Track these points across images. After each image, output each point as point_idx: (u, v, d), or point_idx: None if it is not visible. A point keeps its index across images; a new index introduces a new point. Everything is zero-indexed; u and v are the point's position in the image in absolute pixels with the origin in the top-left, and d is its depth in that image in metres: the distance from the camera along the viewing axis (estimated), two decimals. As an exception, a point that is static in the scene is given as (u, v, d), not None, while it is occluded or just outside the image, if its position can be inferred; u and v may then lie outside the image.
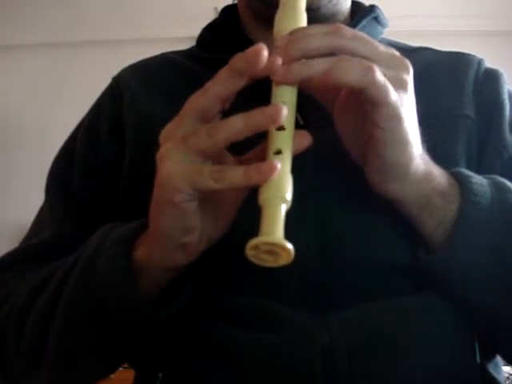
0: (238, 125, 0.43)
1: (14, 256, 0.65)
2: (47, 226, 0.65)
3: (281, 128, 0.44)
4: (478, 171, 0.54)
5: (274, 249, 0.40)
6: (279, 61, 0.44)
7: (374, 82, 0.44)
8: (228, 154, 0.48)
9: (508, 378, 1.63)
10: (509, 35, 2.53)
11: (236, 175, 0.42)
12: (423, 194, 0.51)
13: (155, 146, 0.45)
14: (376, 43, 0.47)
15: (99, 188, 0.65)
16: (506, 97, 0.64)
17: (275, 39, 0.48)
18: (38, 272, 0.59)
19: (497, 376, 0.58)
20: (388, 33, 0.70)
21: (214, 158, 0.47)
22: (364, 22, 0.65)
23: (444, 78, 0.64)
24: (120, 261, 0.49)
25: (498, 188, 0.52)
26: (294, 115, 0.46)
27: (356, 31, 0.48)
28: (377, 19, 0.67)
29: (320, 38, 0.46)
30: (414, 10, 2.49)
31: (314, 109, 0.51)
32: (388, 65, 0.46)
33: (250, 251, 0.41)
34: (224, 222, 0.49)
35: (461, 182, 0.52)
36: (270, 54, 0.46)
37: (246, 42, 0.66)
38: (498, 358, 0.61)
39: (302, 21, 0.51)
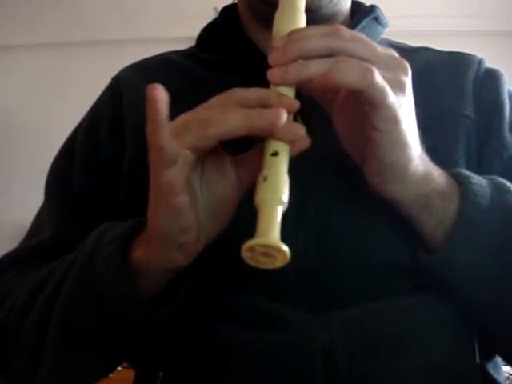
0: (234, 121, 0.43)
1: (13, 256, 0.65)
2: (47, 226, 0.65)
3: None
4: (478, 171, 0.54)
5: (269, 251, 0.40)
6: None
7: (372, 83, 0.44)
8: (225, 153, 0.48)
9: (508, 378, 1.63)
10: (509, 35, 2.53)
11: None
12: (423, 195, 0.51)
13: None
14: (375, 44, 0.47)
15: (99, 188, 0.65)
16: (506, 97, 0.64)
17: (274, 40, 0.48)
18: (38, 272, 0.59)
19: (496, 376, 0.58)
20: (388, 33, 0.70)
21: (209, 157, 0.48)
22: (364, 23, 0.65)
23: (444, 77, 0.64)
24: (117, 260, 0.49)
25: (498, 188, 0.52)
26: (292, 116, 0.46)
27: (355, 32, 0.48)
28: (377, 19, 0.67)
29: (318, 39, 0.46)
30: (413, 10, 2.49)
31: (313, 109, 0.51)
32: (386, 66, 0.46)
33: (245, 253, 0.41)
34: (222, 221, 0.49)
35: (460, 182, 0.52)
36: (269, 55, 0.46)
37: (246, 42, 0.66)
38: (498, 358, 0.61)
39: (301, 21, 0.51)
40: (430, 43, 0.72)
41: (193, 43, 0.72)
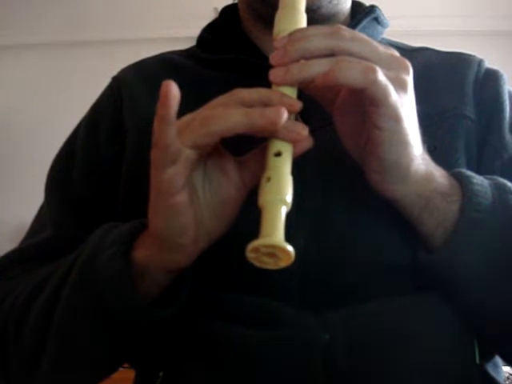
0: (235, 118, 0.43)
1: (13, 256, 0.65)
2: (47, 226, 0.65)
3: None
4: (478, 172, 0.54)
5: (274, 251, 0.40)
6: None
7: (375, 82, 0.44)
8: (228, 154, 0.48)
9: (508, 378, 1.63)
10: (509, 35, 2.53)
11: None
12: (424, 195, 0.51)
13: None
14: (376, 44, 0.47)
15: (99, 188, 0.64)
16: (506, 97, 0.64)
17: (275, 40, 0.48)
18: (38, 272, 0.59)
19: (496, 376, 0.58)
20: (388, 33, 0.70)
21: (212, 157, 0.48)
22: (364, 23, 0.65)
23: (444, 78, 0.64)
24: (119, 261, 0.49)
25: (499, 189, 0.52)
26: (294, 116, 0.46)
27: (355, 32, 0.48)
28: (377, 19, 0.67)
29: (319, 39, 0.46)
30: (414, 10, 2.49)
31: (314, 109, 0.51)
32: (388, 65, 0.46)
33: (250, 253, 0.41)
34: (225, 222, 0.49)
35: (462, 182, 0.52)
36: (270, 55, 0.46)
37: (246, 42, 0.66)
38: (498, 358, 0.61)
39: (302, 22, 0.51)
40: (429, 43, 0.72)
41: (193, 43, 0.72)
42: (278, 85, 0.46)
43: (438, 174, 0.52)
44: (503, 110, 0.63)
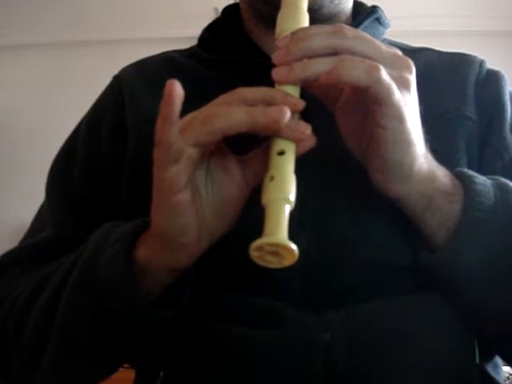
0: (237, 117, 0.43)
1: (13, 255, 0.65)
2: (47, 225, 0.65)
3: None
4: (479, 172, 0.54)
5: (277, 250, 0.40)
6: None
7: (378, 80, 0.44)
8: (230, 153, 0.48)
9: (508, 378, 1.63)
10: (509, 35, 2.53)
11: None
12: (426, 194, 0.51)
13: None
14: (378, 43, 0.47)
15: (100, 187, 0.64)
16: (507, 98, 0.64)
17: (277, 39, 0.48)
18: (38, 272, 0.59)
19: (496, 376, 0.58)
20: (388, 33, 0.70)
21: (215, 156, 0.48)
22: (366, 23, 0.65)
23: (445, 78, 0.64)
24: (121, 260, 0.49)
25: (502, 189, 0.52)
26: (297, 115, 0.46)
27: (358, 31, 0.48)
28: (379, 20, 0.67)
29: (322, 38, 0.46)
30: (414, 10, 2.49)
31: (316, 108, 0.51)
32: (391, 64, 0.46)
33: (253, 252, 0.41)
34: (227, 221, 0.49)
35: (464, 182, 0.52)
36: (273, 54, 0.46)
37: (248, 42, 0.66)
38: (498, 359, 0.61)
39: (304, 21, 0.51)
40: (429, 43, 0.72)
41: (193, 43, 0.72)
42: (281, 84, 0.46)
43: (441, 173, 0.52)
44: (504, 111, 0.63)
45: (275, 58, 0.47)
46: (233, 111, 0.44)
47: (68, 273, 0.54)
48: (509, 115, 0.63)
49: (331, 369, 0.49)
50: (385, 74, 0.44)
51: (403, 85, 0.46)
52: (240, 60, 0.63)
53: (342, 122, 0.51)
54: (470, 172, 0.53)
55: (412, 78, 0.48)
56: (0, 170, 2.65)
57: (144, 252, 0.49)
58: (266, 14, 0.64)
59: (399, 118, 0.46)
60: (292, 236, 0.40)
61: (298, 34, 0.47)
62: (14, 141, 2.66)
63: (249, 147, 0.48)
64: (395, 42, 0.70)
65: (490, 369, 0.58)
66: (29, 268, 0.62)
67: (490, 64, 0.68)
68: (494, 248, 0.50)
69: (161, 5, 2.63)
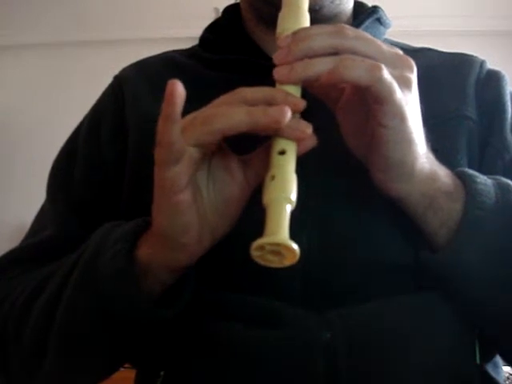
0: (238, 117, 0.43)
1: (13, 255, 0.65)
2: (48, 225, 0.65)
3: None
4: (479, 172, 0.54)
5: (279, 249, 0.40)
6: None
7: (380, 79, 0.44)
8: (232, 153, 0.48)
9: (508, 378, 1.63)
10: (509, 35, 2.53)
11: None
12: (428, 194, 0.51)
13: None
14: (379, 42, 0.47)
15: (101, 188, 0.64)
16: (507, 98, 0.64)
17: (278, 39, 0.48)
18: (39, 271, 0.59)
19: (496, 376, 0.58)
20: (388, 33, 0.70)
21: (216, 156, 0.48)
22: (367, 23, 0.65)
23: (446, 78, 0.64)
24: (122, 260, 0.49)
25: (503, 188, 0.52)
26: (298, 114, 0.46)
27: (359, 31, 0.48)
28: (379, 20, 0.67)
29: (323, 37, 0.46)
30: (414, 10, 2.49)
31: (316, 108, 0.51)
32: (392, 64, 0.46)
33: (254, 252, 0.41)
34: (229, 221, 0.49)
35: (465, 181, 0.52)
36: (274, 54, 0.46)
37: (249, 42, 0.66)
38: (498, 358, 0.61)
39: (305, 21, 0.51)
40: (430, 43, 0.72)
41: (193, 43, 0.72)
42: (282, 83, 0.46)
43: (442, 173, 0.52)
44: (505, 111, 0.63)
45: (276, 57, 0.46)
46: (233, 111, 0.44)
47: (69, 273, 0.54)
48: (509, 115, 0.63)
49: (331, 368, 0.49)
50: (386, 73, 0.44)
51: (404, 84, 0.46)
52: (241, 60, 0.63)
53: (343, 121, 0.51)
54: (471, 172, 0.53)
55: (413, 78, 0.48)
56: (0, 170, 2.65)
57: (145, 251, 0.49)
58: (266, 14, 0.64)
59: (401, 117, 0.46)
60: (293, 235, 0.40)
61: (299, 34, 0.47)
62: (14, 141, 2.66)
63: (250, 147, 0.48)
64: (396, 42, 0.70)
65: (489, 369, 0.58)
66: (29, 268, 0.62)
67: (491, 64, 0.68)
68: (494, 247, 0.50)
69: (161, 5, 2.63)
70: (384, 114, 0.46)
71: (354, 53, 0.45)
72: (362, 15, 0.67)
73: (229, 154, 0.48)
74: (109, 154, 0.64)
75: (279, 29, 0.50)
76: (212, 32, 0.69)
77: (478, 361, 0.54)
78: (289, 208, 0.42)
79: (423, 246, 0.53)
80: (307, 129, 0.44)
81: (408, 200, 0.51)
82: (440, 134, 0.58)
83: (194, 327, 0.54)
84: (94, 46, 2.63)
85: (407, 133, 0.47)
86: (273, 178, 0.43)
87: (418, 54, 0.66)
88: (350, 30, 0.47)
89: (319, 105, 0.51)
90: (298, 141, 0.45)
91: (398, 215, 0.53)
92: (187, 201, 0.45)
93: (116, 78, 0.70)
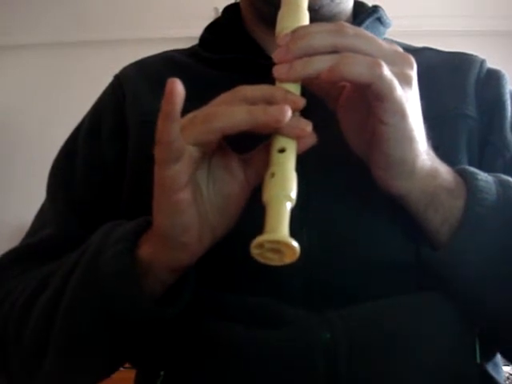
0: (238, 116, 0.43)
1: (13, 255, 0.65)
2: (48, 225, 0.65)
3: None
4: (480, 170, 0.54)
5: (278, 247, 0.40)
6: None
7: (381, 76, 0.44)
8: (232, 152, 0.48)
9: (508, 378, 1.63)
10: (509, 35, 2.53)
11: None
12: (429, 191, 0.51)
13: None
14: (379, 40, 0.48)
15: (101, 187, 0.64)
16: (507, 97, 0.64)
17: (278, 38, 0.48)
18: (39, 271, 0.59)
19: (496, 376, 0.58)
20: (388, 33, 0.70)
21: (216, 155, 0.47)
22: (367, 23, 0.65)
23: (446, 77, 0.64)
24: (124, 259, 0.49)
25: (504, 185, 0.52)
26: (297, 112, 0.46)
27: (359, 29, 0.48)
28: (380, 20, 0.67)
29: (323, 36, 0.46)
30: (414, 10, 2.49)
31: (316, 106, 0.51)
32: (392, 61, 0.46)
33: (254, 249, 0.41)
34: (229, 220, 0.49)
35: (466, 178, 0.52)
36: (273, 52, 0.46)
37: (249, 41, 0.66)
38: (498, 358, 0.61)
39: (305, 20, 0.51)
40: (430, 43, 0.72)
41: (193, 43, 0.72)
42: (282, 81, 0.46)
43: (443, 170, 0.52)
44: (505, 110, 0.63)
45: (276, 56, 0.46)
46: (233, 110, 0.44)
47: (70, 272, 0.53)
48: (509, 114, 0.63)
49: (332, 369, 0.49)
50: (386, 70, 0.44)
51: (405, 81, 0.46)
52: (241, 60, 0.63)
53: (343, 119, 0.51)
54: (472, 169, 0.53)
55: (413, 75, 0.48)
56: (0, 169, 2.65)
57: (146, 251, 0.49)
58: (266, 13, 0.64)
59: (401, 114, 0.46)
60: (293, 234, 0.40)
61: (298, 32, 0.47)
62: (14, 141, 2.66)
63: (250, 146, 0.48)
64: (396, 42, 0.70)
65: (490, 368, 0.58)
66: (29, 267, 0.62)
67: (491, 64, 0.68)
68: (496, 244, 0.50)
69: (161, 5, 2.63)
70: (384, 111, 0.46)
71: (354, 50, 0.45)
72: (363, 15, 0.67)
73: (229, 153, 0.48)
74: (109, 153, 0.64)
75: (278, 28, 0.50)
76: (212, 31, 0.69)
77: (478, 360, 0.54)
78: (289, 205, 0.41)
79: (424, 243, 0.53)
80: (307, 126, 0.44)
81: (409, 197, 0.51)
82: (440, 133, 0.58)
83: (194, 328, 0.54)
84: (93, 46, 2.63)
85: (408, 130, 0.47)
86: (272, 175, 0.43)
87: (418, 54, 0.66)
88: (350, 28, 0.47)
89: (318, 102, 0.50)
90: (298, 139, 0.45)
91: (399, 213, 0.53)
92: (187, 199, 0.45)
93: (116, 76, 0.70)
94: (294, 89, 0.46)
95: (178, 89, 0.41)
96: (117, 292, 0.49)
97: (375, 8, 0.67)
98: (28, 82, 2.70)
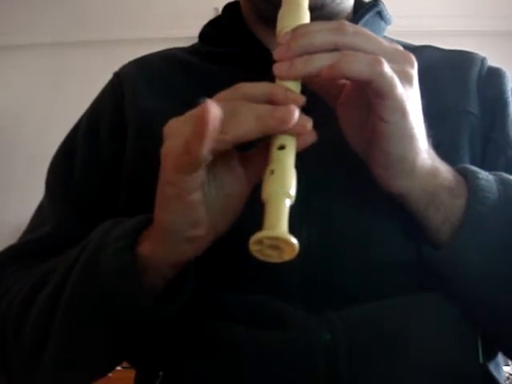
0: (249, 125, 0.43)
1: (12, 252, 0.65)
2: (47, 222, 0.65)
3: None
4: (482, 168, 0.54)
5: (277, 243, 0.40)
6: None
7: (381, 74, 0.44)
8: (233, 150, 0.48)
9: (508, 378, 1.63)
10: (509, 35, 2.53)
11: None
12: (429, 190, 0.51)
13: (156, 141, 0.45)
14: (379, 39, 0.48)
15: (99, 185, 0.64)
16: (509, 95, 0.64)
17: (278, 36, 0.48)
18: (38, 268, 0.59)
19: (497, 375, 0.57)
20: (388, 32, 0.70)
21: (218, 154, 0.47)
22: (367, 17, 0.65)
23: (447, 75, 0.64)
24: (124, 256, 0.49)
25: (505, 184, 0.52)
26: (298, 110, 0.45)
27: (359, 27, 0.48)
28: (380, 14, 0.67)
29: (323, 34, 0.46)
30: (414, 10, 2.49)
31: (315, 104, 0.51)
32: (393, 59, 0.46)
33: (253, 246, 0.40)
34: (230, 217, 0.49)
35: (467, 177, 0.52)
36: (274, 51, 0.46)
37: (249, 36, 0.66)
38: (499, 358, 0.60)
39: (305, 18, 0.51)
40: (430, 43, 0.72)
41: (193, 43, 0.72)
42: (282, 79, 0.46)
43: (444, 169, 0.52)
44: (507, 108, 0.63)
45: (276, 54, 0.46)
46: (242, 119, 0.43)
47: (70, 269, 0.53)
48: (511, 112, 0.63)
49: (332, 369, 0.49)
50: (387, 68, 0.44)
51: (406, 79, 0.46)
52: (242, 54, 0.63)
53: (343, 117, 0.51)
54: (473, 167, 0.53)
55: (414, 72, 0.48)
56: (0, 170, 2.65)
57: (147, 247, 0.49)
58: (266, 12, 0.64)
59: (402, 112, 0.46)
60: (293, 231, 0.40)
61: (299, 31, 0.47)
62: (14, 141, 2.66)
63: (250, 144, 0.48)
64: (396, 41, 0.70)
65: (491, 367, 0.58)
66: (28, 265, 0.62)
67: (491, 64, 0.68)
68: (497, 243, 0.49)
69: (161, 5, 2.63)
70: (385, 109, 0.45)
71: (355, 48, 0.45)
72: (362, 9, 0.66)
73: (230, 152, 0.48)
74: (107, 152, 0.64)
75: (279, 26, 0.50)
76: (213, 26, 0.69)
77: (481, 360, 0.53)
78: (288, 202, 0.41)
79: (425, 242, 0.53)
80: (307, 124, 0.44)
81: (409, 196, 0.51)
82: (442, 130, 0.58)
83: (194, 328, 0.54)
84: (93, 46, 2.64)
85: (408, 128, 0.47)
86: (272, 172, 0.43)
87: (419, 52, 0.66)
88: (350, 27, 0.47)
89: (318, 100, 0.50)
90: (298, 136, 0.44)
91: (399, 212, 0.53)
92: (199, 200, 0.45)
93: (116, 74, 0.70)
94: (295, 87, 0.46)
95: (214, 112, 0.40)
96: (117, 290, 0.49)
97: (375, 2, 0.67)
98: (28, 82, 2.70)
